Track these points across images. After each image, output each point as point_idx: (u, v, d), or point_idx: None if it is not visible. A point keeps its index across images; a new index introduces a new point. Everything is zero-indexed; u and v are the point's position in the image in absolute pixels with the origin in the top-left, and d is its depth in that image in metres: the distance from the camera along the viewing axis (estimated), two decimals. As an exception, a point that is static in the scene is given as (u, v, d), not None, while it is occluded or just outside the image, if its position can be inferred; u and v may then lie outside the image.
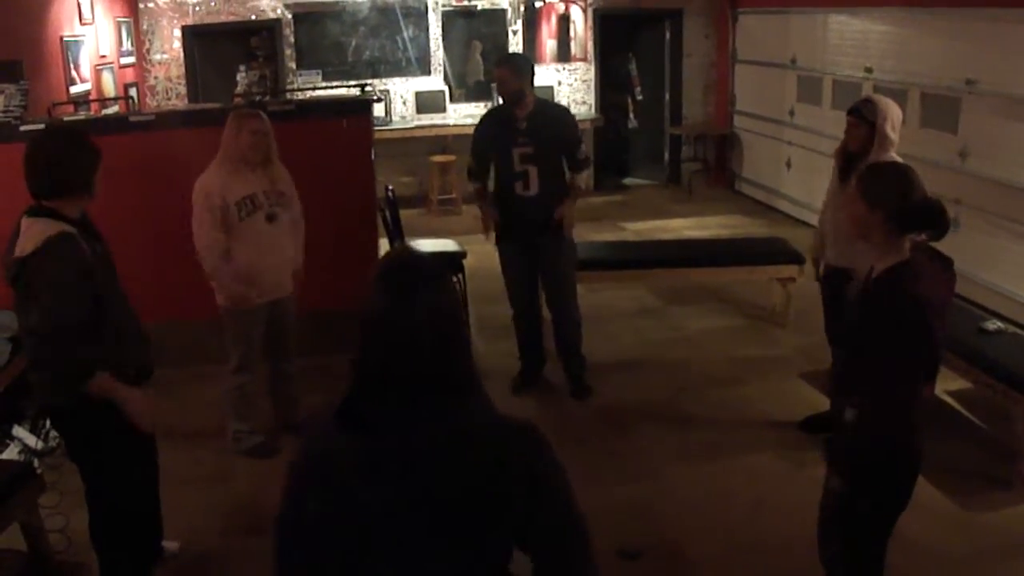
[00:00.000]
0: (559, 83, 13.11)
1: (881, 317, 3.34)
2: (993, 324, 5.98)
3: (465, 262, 7.78)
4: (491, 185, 6.56)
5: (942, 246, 3.57)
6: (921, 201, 3.36)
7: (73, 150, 3.81)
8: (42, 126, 6.35)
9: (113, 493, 4.14)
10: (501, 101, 6.37)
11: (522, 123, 6.17)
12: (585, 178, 6.40)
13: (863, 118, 5.27)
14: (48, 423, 5.69)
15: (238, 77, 12.65)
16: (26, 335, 3.78)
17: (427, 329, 2.04)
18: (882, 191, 3.36)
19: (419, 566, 2.08)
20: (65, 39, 9.21)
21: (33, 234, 3.70)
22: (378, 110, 11.45)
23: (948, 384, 6.12)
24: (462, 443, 2.04)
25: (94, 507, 4.19)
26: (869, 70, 9.45)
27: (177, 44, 12.45)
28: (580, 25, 13.12)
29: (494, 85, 12.48)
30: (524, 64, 6.33)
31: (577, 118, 6.88)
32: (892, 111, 5.30)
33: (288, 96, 10.91)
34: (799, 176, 11.20)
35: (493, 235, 6.55)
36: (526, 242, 6.35)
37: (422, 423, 2.02)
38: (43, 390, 3.96)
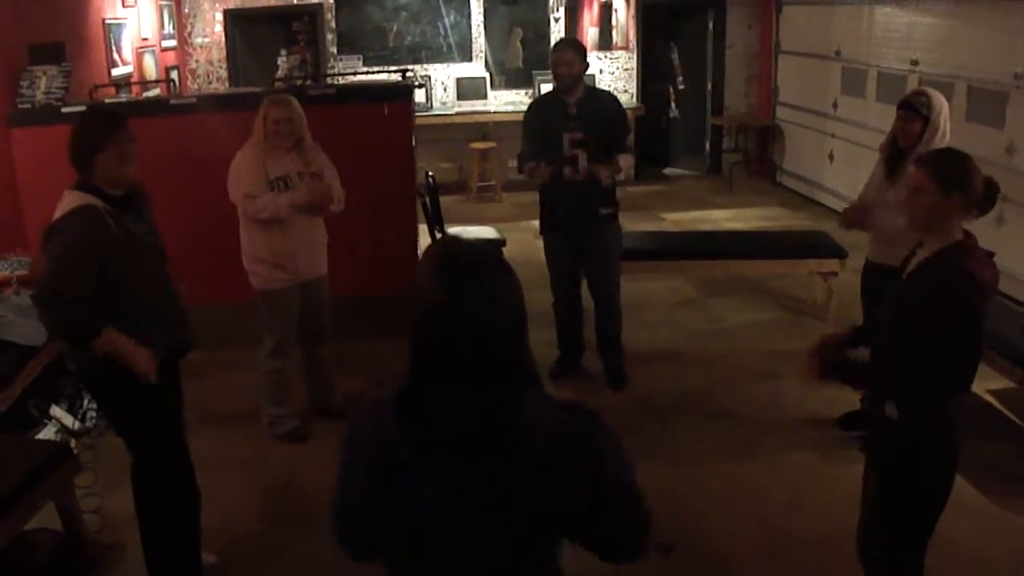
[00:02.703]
0: (600, 71, 13.04)
1: (932, 296, 3.28)
2: (1038, 323, 5.89)
3: (504, 250, 7.75)
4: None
5: (987, 242, 3.52)
6: (987, 180, 3.39)
7: (79, 128, 3.95)
8: (83, 108, 6.38)
9: (156, 460, 4.21)
10: (554, 85, 6.33)
11: (572, 108, 6.16)
12: (627, 161, 6.33)
13: (917, 112, 5.17)
14: (85, 403, 5.74)
15: (279, 61, 12.69)
16: (57, 295, 3.85)
17: (494, 318, 2.00)
18: (959, 175, 3.32)
19: (471, 558, 2.07)
20: (107, 22, 9.25)
21: (64, 204, 3.86)
22: (419, 96, 11.43)
23: (991, 383, 6.03)
24: (521, 435, 2.00)
25: (138, 477, 4.24)
26: (915, 63, 9.32)
27: (219, 28, 12.51)
28: (623, 13, 13.04)
29: (537, 72, 12.52)
30: (584, 49, 6.35)
31: (617, 107, 6.82)
32: (944, 103, 5.23)
33: (329, 81, 10.91)
34: (842, 169, 11.08)
35: (539, 225, 6.51)
36: (572, 229, 6.32)
37: (481, 414, 1.99)
38: (78, 358, 4.08)
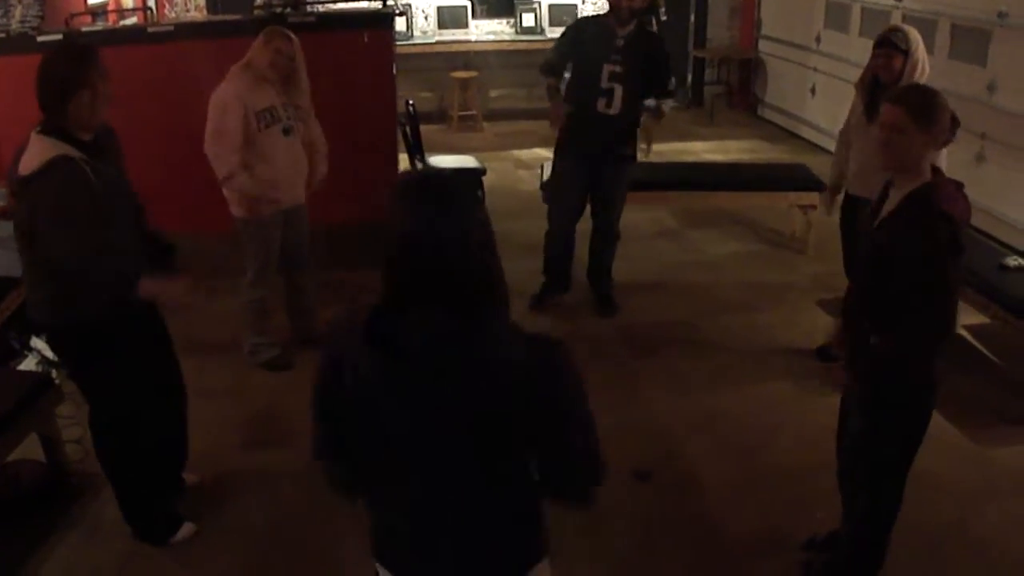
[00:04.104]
0: (583, 1, 12.92)
1: (911, 240, 3.29)
2: (1014, 260, 5.94)
3: (485, 180, 7.75)
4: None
5: (966, 179, 3.54)
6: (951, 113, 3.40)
7: (48, 68, 3.71)
8: (59, 37, 6.31)
9: (112, 413, 4.15)
10: (607, 11, 6.22)
11: (620, 40, 6.10)
12: (670, 105, 6.29)
13: (897, 48, 5.17)
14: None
15: (258, -12, 12.51)
16: (46, 261, 3.74)
17: (470, 245, 2.04)
18: (934, 112, 3.32)
19: (442, 476, 2.15)
20: (83, -53, 9.07)
21: (35, 153, 3.65)
22: (399, 24, 11.32)
23: (966, 319, 6.08)
24: (489, 362, 2.05)
25: (95, 428, 4.22)
26: (899, -3, 9.28)
27: (196, -47, 12.29)
28: (606, -58, 12.89)
29: (519, 2, 12.41)
30: None
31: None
32: (919, 37, 5.23)
33: (308, 8, 10.78)
34: (823, 103, 11.07)
35: (555, 147, 6.52)
36: (590, 161, 6.30)
37: (449, 340, 2.03)
38: (41, 311, 3.94)
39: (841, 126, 5.83)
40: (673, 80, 6.31)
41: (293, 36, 5.51)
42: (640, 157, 6.49)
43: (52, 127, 3.70)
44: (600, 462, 2.24)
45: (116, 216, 3.85)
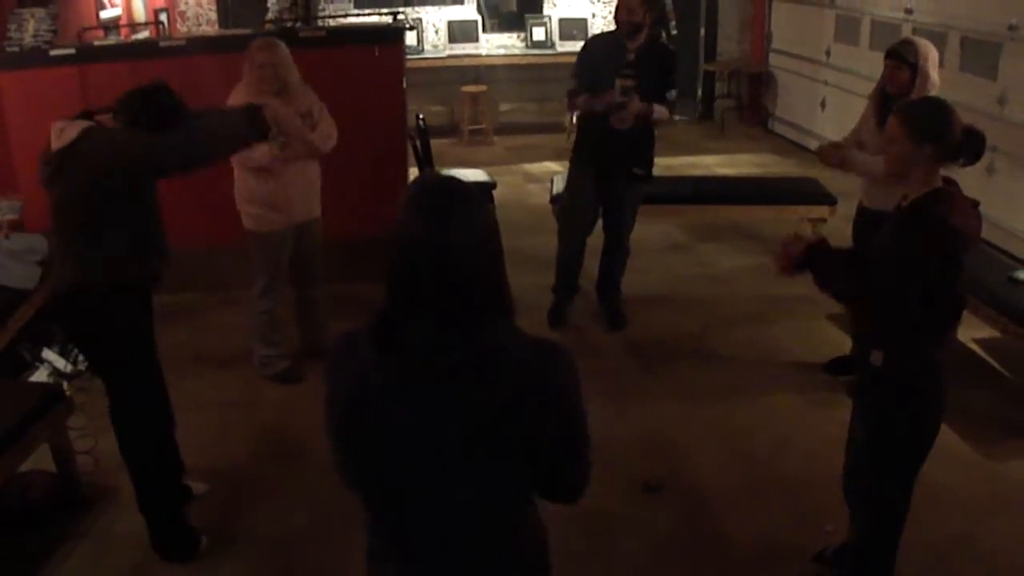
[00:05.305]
0: (593, 15, 12.96)
1: (911, 243, 3.30)
2: (1024, 273, 5.92)
3: (495, 193, 7.76)
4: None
5: (976, 191, 3.53)
6: (968, 131, 3.35)
7: (168, 97, 4.12)
8: (72, 51, 6.35)
9: (134, 399, 4.21)
10: (615, 27, 6.22)
11: (631, 55, 6.07)
12: (661, 113, 6.21)
13: (904, 60, 5.19)
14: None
15: (269, 3, 12.52)
16: (86, 225, 3.88)
17: (470, 250, 2.03)
18: (931, 126, 3.31)
19: (444, 484, 2.12)
20: (95, -38, 9.13)
21: (72, 128, 3.82)
22: (410, 39, 11.37)
23: (976, 332, 6.09)
24: (491, 366, 2.04)
25: (119, 417, 4.24)
26: (909, 11, 9.28)
27: (208, -32, 12.37)
28: (616, -44, 12.93)
29: (529, 16, 12.46)
30: None
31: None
32: (932, 51, 5.23)
33: (319, 23, 10.83)
34: (833, 117, 11.06)
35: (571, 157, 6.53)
36: (603, 176, 6.29)
37: (454, 345, 2.02)
38: (72, 277, 4.00)
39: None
40: (673, 92, 6.26)
41: (275, 44, 5.50)
42: None
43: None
44: (588, 464, 2.26)
45: (145, 188, 4.07)
